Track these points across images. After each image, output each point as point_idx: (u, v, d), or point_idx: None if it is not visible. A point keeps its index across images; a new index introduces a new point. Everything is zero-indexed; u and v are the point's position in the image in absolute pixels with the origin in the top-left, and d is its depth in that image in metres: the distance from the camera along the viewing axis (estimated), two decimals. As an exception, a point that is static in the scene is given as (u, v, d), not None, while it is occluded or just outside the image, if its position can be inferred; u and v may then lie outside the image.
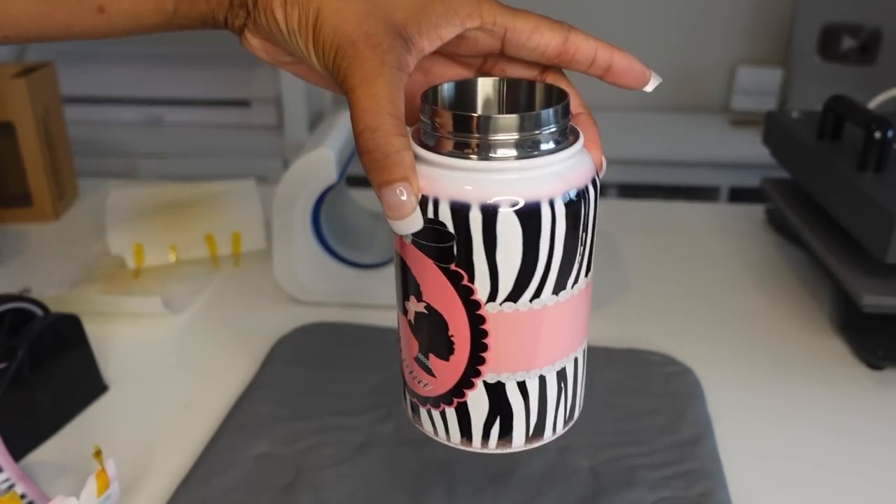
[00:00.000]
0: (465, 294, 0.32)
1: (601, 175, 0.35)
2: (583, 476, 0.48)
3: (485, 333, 0.33)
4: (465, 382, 0.34)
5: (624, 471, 0.49)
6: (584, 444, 0.51)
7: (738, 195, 1.64)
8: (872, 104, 0.80)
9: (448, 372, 0.34)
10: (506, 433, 0.35)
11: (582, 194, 0.32)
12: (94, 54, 1.84)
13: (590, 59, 0.34)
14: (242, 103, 1.81)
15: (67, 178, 0.92)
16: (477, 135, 0.30)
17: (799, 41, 1.73)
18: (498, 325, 0.32)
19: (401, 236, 0.33)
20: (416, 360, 0.35)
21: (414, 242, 0.32)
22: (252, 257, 0.79)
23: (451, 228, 0.31)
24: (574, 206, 0.31)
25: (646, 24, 1.88)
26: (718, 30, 1.88)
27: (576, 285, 0.33)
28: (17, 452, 0.50)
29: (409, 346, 0.35)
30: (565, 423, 0.37)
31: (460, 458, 0.49)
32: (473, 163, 0.30)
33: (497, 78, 0.36)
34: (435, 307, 0.33)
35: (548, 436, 0.36)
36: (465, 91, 0.35)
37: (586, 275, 0.34)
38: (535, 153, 0.31)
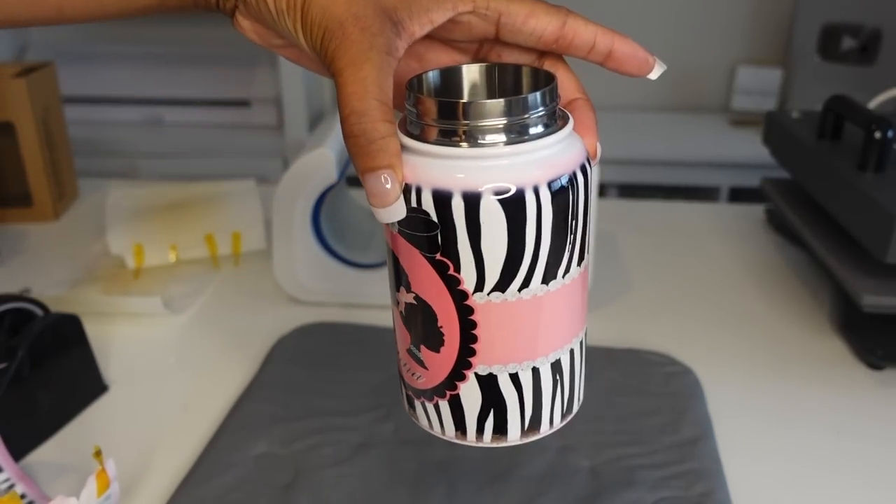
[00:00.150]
0: (452, 284, 0.31)
1: (595, 162, 0.34)
2: (583, 476, 0.48)
3: (474, 324, 0.32)
4: (457, 375, 0.33)
5: (624, 471, 0.49)
6: (584, 444, 0.51)
7: (738, 195, 1.64)
8: (872, 104, 0.80)
9: (440, 364, 0.34)
10: (500, 426, 0.34)
11: (571, 181, 0.31)
12: (94, 54, 1.84)
13: (589, 45, 0.33)
14: (242, 103, 1.81)
15: (67, 178, 0.92)
16: (459, 121, 0.30)
17: (799, 41, 1.73)
18: (487, 316, 0.32)
19: (390, 227, 0.32)
20: (409, 352, 0.35)
21: (400, 232, 0.32)
22: (252, 257, 0.79)
23: (434, 217, 0.30)
24: (562, 193, 0.31)
25: (645, 24, 1.88)
26: (718, 30, 1.88)
27: (567, 274, 0.33)
28: (17, 452, 0.50)
29: (402, 337, 0.35)
30: (563, 416, 0.36)
31: (460, 458, 0.49)
32: (455, 150, 0.30)
33: (482, 64, 0.35)
34: (423, 298, 0.32)
35: (544, 429, 0.35)
36: (450, 78, 0.34)
37: (579, 263, 0.33)
38: (520, 139, 0.30)
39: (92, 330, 0.58)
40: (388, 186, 0.29)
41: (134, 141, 1.74)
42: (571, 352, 0.35)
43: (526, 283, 0.31)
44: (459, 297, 0.32)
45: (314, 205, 0.66)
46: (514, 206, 0.30)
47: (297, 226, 0.67)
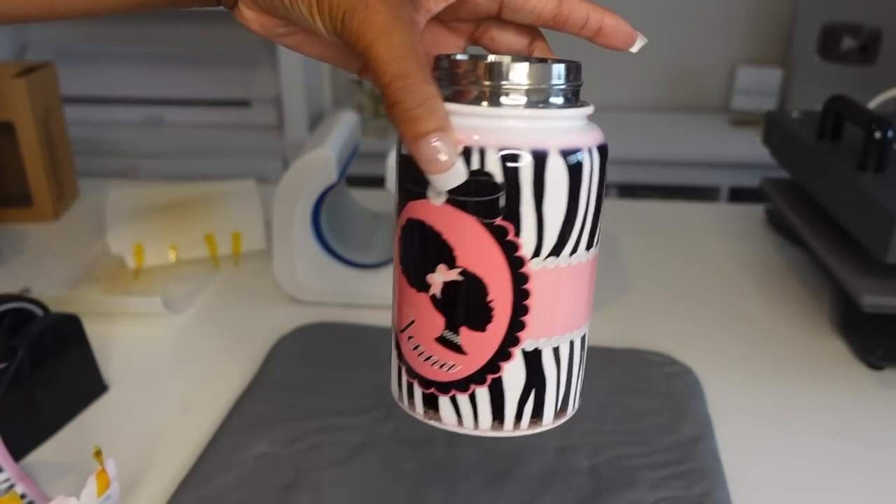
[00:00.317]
0: (510, 251, 0.31)
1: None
2: (583, 476, 0.48)
3: (527, 294, 0.31)
4: (502, 354, 0.32)
5: (624, 471, 0.49)
6: (584, 444, 0.51)
7: (738, 195, 1.64)
8: (872, 104, 0.80)
9: (483, 345, 0.32)
10: (538, 409, 0.33)
11: (606, 148, 0.32)
12: (94, 54, 1.84)
13: (582, 21, 0.34)
14: (242, 103, 1.81)
15: (67, 178, 0.92)
16: (524, 83, 0.30)
17: (799, 41, 1.73)
18: (541, 284, 0.31)
19: (410, 205, 0.31)
20: (441, 339, 0.32)
21: (451, 201, 0.30)
22: (252, 257, 0.79)
23: (499, 179, 0.30)
24: (604, 159, 0.32)
25: (645, 24, 1.87)
26: (718, 30, 1.88)
27: (598, 244, 0.33)
28: (17, 452, 0.50)
29: (430, 326, 0.33)
30: (580, 396, 0.36)
31: (460, 458, 0.49)
32: (522, 111, 0.30)
33: (509, 56, 0.35)
34: (473, 271, 0.31)
35: (570, 411, 0.35)
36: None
37: (599, 237, 0.34)
38: (575, 104, 0.32)
39: (92, 330, 0.58)
40: (444, 150, 0.28)
41: (134, 141, 1.74)
42: (588, 327, 0.35)
43: (575, 248, 0.32)
44: (516, 265, 0.31)
45: (314, 205, 0.66)
46: (576, 167, 0.31)
47: (297, 226, 0.67)
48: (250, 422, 0.52)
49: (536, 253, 0.31)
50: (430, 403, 0.34)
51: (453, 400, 0.33)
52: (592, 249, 0.33)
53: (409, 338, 0.34)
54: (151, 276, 0.75)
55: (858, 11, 1.65)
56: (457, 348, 0.32)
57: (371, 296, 0.69)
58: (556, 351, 0.33)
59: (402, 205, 0.32)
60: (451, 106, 0.30)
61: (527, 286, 0.31)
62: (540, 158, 0.30)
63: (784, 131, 0.79)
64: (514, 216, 0.30)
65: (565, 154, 0.30)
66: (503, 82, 0.30)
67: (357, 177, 0.89)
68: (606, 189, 0.35)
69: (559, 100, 0.31)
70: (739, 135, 1.73)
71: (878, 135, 0.64)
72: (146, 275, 0.75)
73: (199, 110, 1.82)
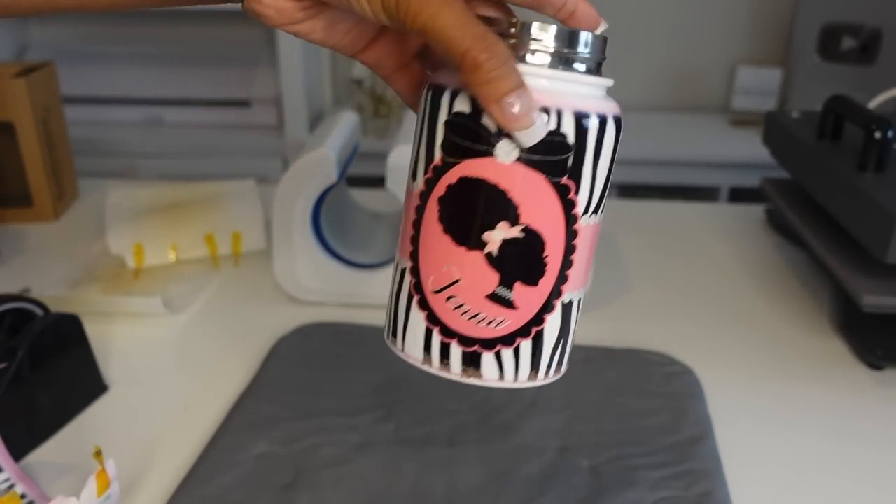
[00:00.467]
0: (569, 208, 0.32)
1: None
2: (583, 476, 0.48)
3: (574, 249, 0.33)
4: (548, 307, 0.34)
5: (624, 471, 0.49)
6: (584, 444, 0.51)
7: (738, 195, 1.64)
8: (872, 104, 0.80)
9: (533, 299, 0.33)
10: (562, 358, 0.35)
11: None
12: (94, 54, 1.85)
13: (562, 2, 0.35)
14: (242, 103, 1.81)
15: (67, 178, 0.92)
16: (589, 52, 0.32)
17: (799, 41, 1.73)
18: (582, 240, 0.33)
19: (466, 164, 0.32)
20: (492, 296, 0.33)
21: (522, 159, 0.31)
22: (252, 257, 0.79)
23: (571, 139, 0.31)
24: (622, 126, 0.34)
25: (646, 24, 1.88)
26: (718, 30, 1.88)
27: None
28: (17, 452, 0.50)
29: (481, 284, 0.33)
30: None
31: (460, 458, 0.49)
32: (586, 77, 0.32)
33: (556, 24, 0.37)
34: (534, 227, 0.32)
35: (564, 368, 0.37)
36: None
37: None
38: (605, 76, 0.34)
39: (92, 330, 0.58)
40: (528, 108, 0.30)
41: (134, 141, 1.74)
42: None
43: (603, 208, 0.34)
44: (571, 222, 0.33)
45: (314, 205, 0.66)
46: (619, 131, 0.33)
47: (297, 226, 0.67)
48: (250, 422, 0.52)
49: (585, 210, 0.33)
50: (472, 361, 0.34)
51: (497, 355, 0.34)
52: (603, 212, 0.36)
53: (449, 298, 0.33)
54: (151, 276, 0.75)
55: (858, 11, 1.65)
56: (508, 304, 0.33)
57: (371, 296, 0.69)
58: (578, 303, 0.35)
59: (449, 164, 0.32)
60: (536, 70, 0.32)
61: (575, 242, 0.33)
62: (602, 121, 0.32)
63: (784, 131, 0.79)
64: (577, 175, 0.32)
65: (616, 119, 0.33)
66: (572, 50, 0.32)
67: (357, 177, 0.89)
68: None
69: (599, 70, 0.34)
70: (739, 135, 1.73)
71: (878, 135, 0.64)
72: (146, 275, 0.75)
73: (199, 110, 1.82)
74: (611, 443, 0.51)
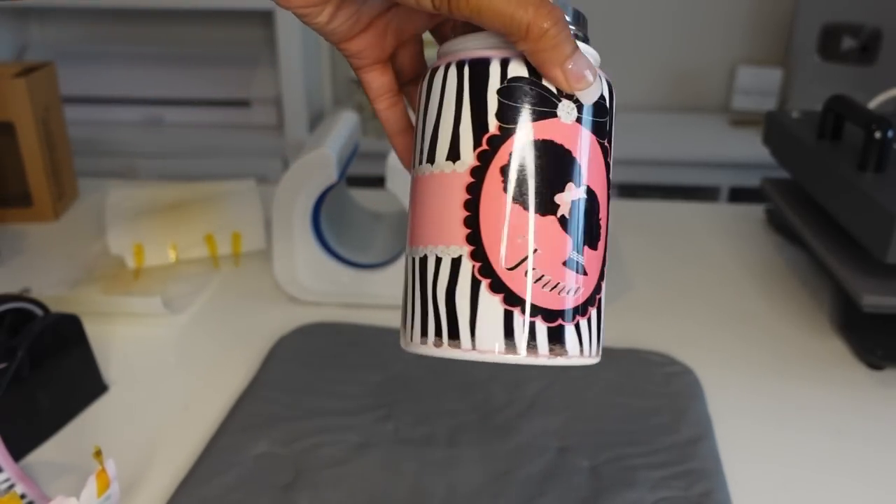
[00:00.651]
0: (608, 170, 0.34)
1: None
2: (583, 476, 0.48)
3: (608, 213, 0.34)
4: (602, 273, 0.34)
5: (624, 471, 0.49)
6: (584, 444, 0.51)
7: (738, 195, 1.64)
8: (872, 104, 0.80)
9: (595, 263, 0.33)
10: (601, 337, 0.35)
11: None
12: (94, 54, 1.85)
13: None
14: (242, 103, 1.81)
15: (67, 178, 0.92)
16: (585, 27, 0.35)
17: (799, 41, 1.73)
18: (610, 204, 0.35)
19: (535, 125, 0.32)
20: (568, 262, 0.32)
21: (580, 119, 0.32)
22: (252, 257, 0.79)
23: (608, 103, 0.33)
24: None
25: (646, 24, 1.88)
26: (718, 30, 1.88)
27: None
28: (17, 452, 0.50)
29: (557, 250, 0.32)
30: None
31: (460, 458, 0.49)
32: (592, 49, 0.34)
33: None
34: (593, 189, 0.33)
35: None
36: None
37: None
38: None
39: (92, 330, 0.58)
40: (589, 68, 0.31)
41: (134, 141, 1.74)
42: None
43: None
44: (609, 184, 0.34)
45: (314, 205, 0.66)
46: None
47: (297, 226, 0.67)
48: (250, 421, 0.52)
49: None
50: (556, 337, 0.32)
51: (577, 328, 0.33)
52: None
53: (528, 271, 0.32)
54: (151, 276, 0.75)
55: (858, 11, 1.65)
56: (581, 269, 0.33)
57: (371, 296, 0.69)
58: None
59: (509, 131, 0.32)
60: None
61: (609, 205, 0.34)
62: (612, 88, 0.34)
63: (784, 131, 0.79)
64: (610, 137, 0.34)
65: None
66: (578, 26, 0.34)
67: (357, 177, 0.89)
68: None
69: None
70: (739, 135, 1.73)
71: (878, 135, 0.64)
72: (146, 275, 0.75)
73: (199, 110, 1.82)
74: (611, 443, 0.51)
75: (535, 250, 0.32)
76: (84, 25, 1.95)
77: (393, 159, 0.65)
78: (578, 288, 0.32)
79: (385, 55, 0.38)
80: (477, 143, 0.32)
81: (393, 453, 0.50)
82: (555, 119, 0.32)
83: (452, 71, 0.33)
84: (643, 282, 0.75)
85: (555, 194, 0.32)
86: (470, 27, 0.33)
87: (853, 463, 0.51)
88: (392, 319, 0.66)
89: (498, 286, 0.32)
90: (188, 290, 0.72)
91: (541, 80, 0.31)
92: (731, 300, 0.72)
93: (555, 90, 0.31)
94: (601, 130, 0.33)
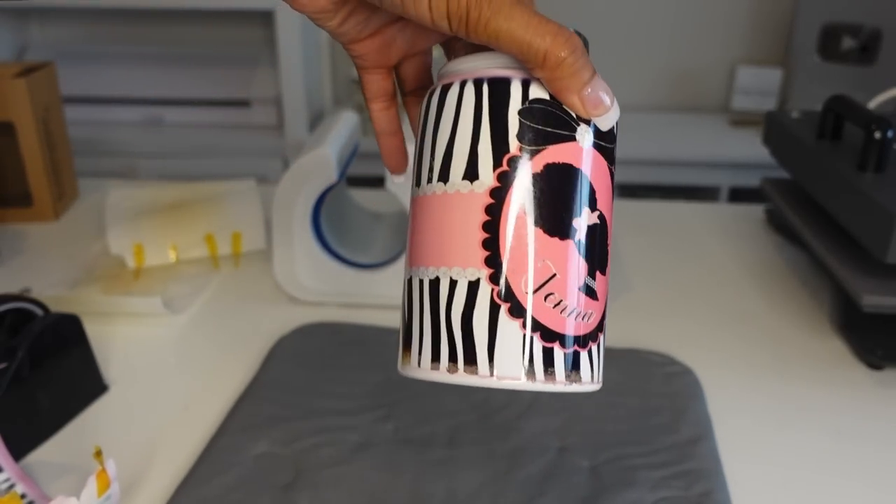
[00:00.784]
0: (613, 195, 0.34)
1: None
2: (583, 476, 0.48)
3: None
4: (607, 297, 0.34)
5: (624, 471, 0.49)
6: (584, 444, 0.51)
7: (738, 195, 1.64)
8: (872, 104, 0.80)
9: (604, 288, 0.33)
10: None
11: None
12: (94, 54, 1.85)
13: None
14: (242, 103, 1.81)
15: (67, 178, 0.92)
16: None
17: (799, 41, 1.73)
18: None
19: (553, 149, 0.31)
20: (584, 288, 0.32)
21: (598, 146, 0.33)
22: (252, 257, 0.79)
23: (616, 129, 0.34)
24: None
25: (645, 25, 1.88)
26: (718, 30, 1.88)
27: None
28: (17, 452, 0.50)
29: (575, 275, 0.32)
30: None
31: (460, 458, 0.49)
32: None
33: None
34: (604, 213, 0.33)
35: None
36: None
37: None
38: None
39: (92, 330, 0.58)
40: (607, 93, 0.32)
41: (134, 141, 1.74)
42: None
43: None
44: (612, 209, 0.34)
45: (314, 205, 0.66)
46: None
47: (297, 226, 0.67)
48: (250, 422, 0.52)
49: None
50: (574, 364, 0.32)
51: (589, 354, 0.33)
52: None
53: (548, 296, 0.31)
54: (151, 276, 0.75)
55: (858, 11, 1.65)
56: (594, 294, 0.32)
57: (371, 296, 0.69)
58: None
59: (531, 153, 0.31)
60: None
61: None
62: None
63: (784, 131, 0.79)
64: (615, 162, 0.34)
65: None
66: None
67: (357, 177, 0.89)
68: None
69: None
70: (739, 135, 1.73)
71: (878, 135, 0.64)
72: (146, 275, 0.75)
73: (199, 110, 1.82)
74: (611, 443, 0.51)
75: (555, 275, 0.31)
76: (84, 25, 1.95)
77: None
78: (592, 313, 0.32)
79: (390, 62, 0.38)
80: (497, 164, 0.31)
81: (393, 453, 0.50)
82: (573, 143, 0.32)
83: (469, 88, 0.32)
84: (643, 282, 0.75)
85: (573, 219, 0.32)
86: (482, 46, 0.33)
87: (853, 463, 0.51)
88: (392, 319, 0.66)
89: (518, 311, 0.31)
90: (188, 291, 0.72)
91: (561, 104, 0.32)
92: (731, 300, 0.72)
93: (573, 114, 0.32)
94: (611, 156, 0.33)
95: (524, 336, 0.31)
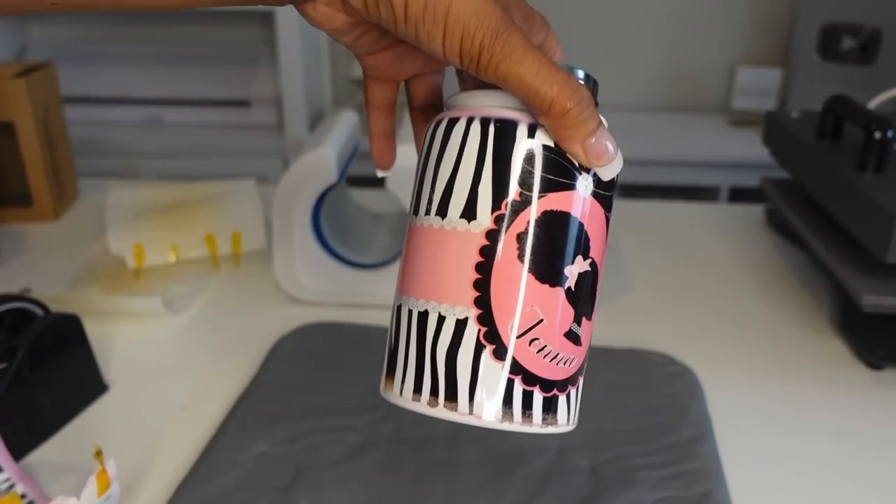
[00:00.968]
0: (607, 240, 0.34)
1: None
2: (583, 476, 0.48)
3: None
4: (590, 341, 0.34)
5: (624, 471, 0.49)
6: (584, 444, 0.51)
7: (738, 195, 1.64)
8: (872, 104, 0.80)
9: (588, 333, 0.34)
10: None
11: None
12: (94, 54, 1.85)
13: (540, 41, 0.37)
14: (242, 103, 1.81)
15: (67, 178, 0.92)
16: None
17: (799, 41, 1.73)
18: None
19: (551, 197, 0.31)
20: (568, 334, 0.32)
21: (596, 194, 0.33)
22: (252, 257, 0.79)
23: (616, 176, 0.33)
24: None
25: (645, 25, 1.88)
26: (718, 30, 1.88)
27: None
28: (17, 452, 0.50)
29: (561, 322, 0.32)
30: None
31: (460, 458, 0.49)
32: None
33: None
34: (596, 260, 0.33)
35: None
36: None
37: None
38: None
39: (92, 330, 0.58)
40: (611, 143, 0.32)
41: (134, 141, 1.74)
42: None
43: None
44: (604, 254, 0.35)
45: (314, 205, 0.66)
46: None
47: (297, 226, 0.67)
48: (250, 422, 0.52)
49: None
50: (551, 407, 0.33)
51: (567, 397, 0.33)
52: None
53: (533, 340, 0.32)
54: (151, 276, 0.75)
55: (858, 11, 1.65)
56: (578, 340, 0.33)
57: (371, 296, 0.69)
58: None
59: (529, 199, 0.31)
60: None
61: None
62: None
63: (784, 131, 0.79)
64: (611, 209, 0.34)
65: None
66: (594, 95, 0.34)
67: (357, 177, 0.89)
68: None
69: None
70: (739, 135, 1.73)
71: (878, 135, 0.64)
72: (146, 275, 0.75)
73: (199, 110, 1.82)
74: (611, 443, 0.51)
75: (542, 321, 0.32)
76: (84, 25, 1.95)
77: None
78: (574, 358, 0.33)
79: (398, 78, 0.38)
80: (496, 206, 0.31)
81: (393, 453, 0.50)
82: (573, 191, 0.32)
83: (475, 126, 0.32)
84: (643, 282, 0.75)
85: (565, 266, 0.32)
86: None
87: (853, 463, 0.51)
88: (390, 319, 0.66)
89: (501, 353, 0.31)
90: (188, 291, 0.72)
91: (564, 152, 0.31)
92: (730, 300, 0.72)
93: (576, 163, 0.32)
94: (609, 204, 0.33)
95: (506, 378, 0.31)
